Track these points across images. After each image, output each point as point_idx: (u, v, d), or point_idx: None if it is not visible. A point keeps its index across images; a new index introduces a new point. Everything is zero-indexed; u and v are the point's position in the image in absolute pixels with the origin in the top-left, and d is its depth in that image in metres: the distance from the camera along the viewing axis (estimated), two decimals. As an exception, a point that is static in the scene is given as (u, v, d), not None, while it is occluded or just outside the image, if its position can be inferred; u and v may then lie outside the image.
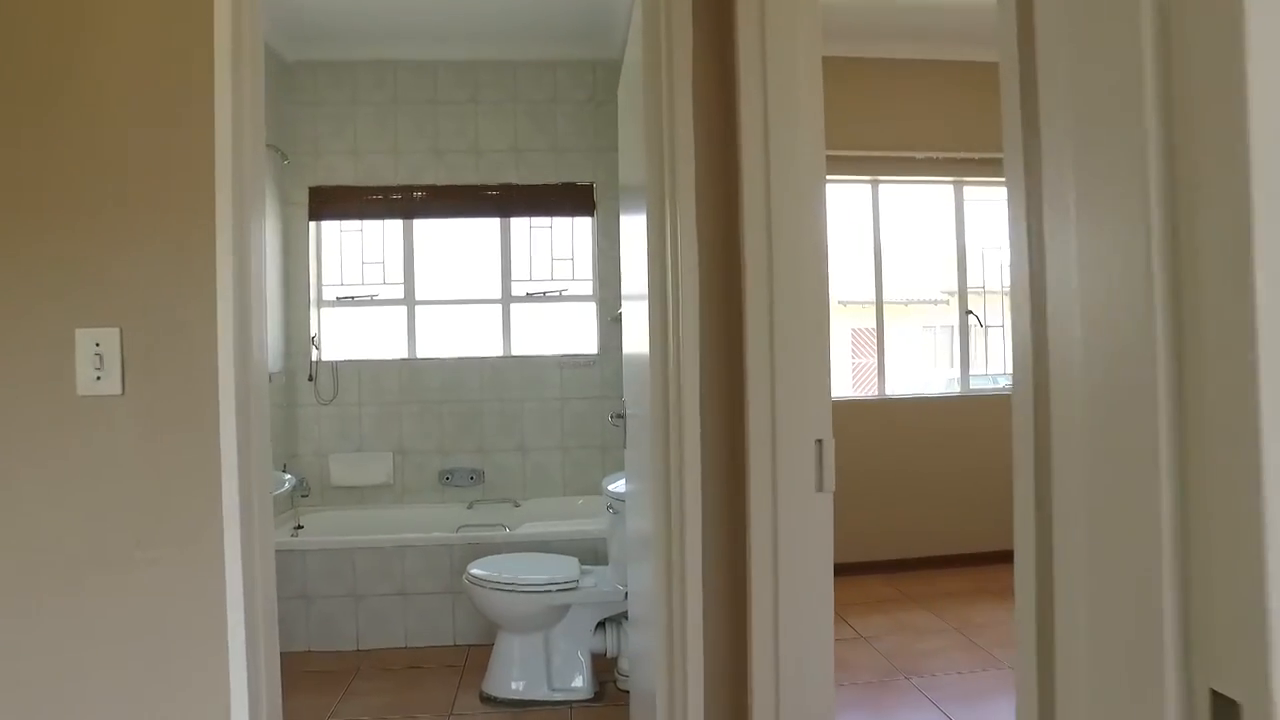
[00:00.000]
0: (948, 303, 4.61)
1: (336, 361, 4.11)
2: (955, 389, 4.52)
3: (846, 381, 5.03)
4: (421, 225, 4.27)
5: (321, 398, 4.06)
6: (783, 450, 1.43)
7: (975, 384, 4.47)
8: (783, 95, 1.45)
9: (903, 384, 4.57)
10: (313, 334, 4.11)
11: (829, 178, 1.53)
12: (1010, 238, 0.73)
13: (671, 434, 1.58)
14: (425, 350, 4.24)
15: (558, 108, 4.23)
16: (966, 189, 4.34)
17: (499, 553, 3.26)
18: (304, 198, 4.08)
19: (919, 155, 4.08)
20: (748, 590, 1.49)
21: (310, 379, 4.05)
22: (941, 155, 4.10)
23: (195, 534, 1.36)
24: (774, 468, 1.44)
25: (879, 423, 4.20)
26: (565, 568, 2.88)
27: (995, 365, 4.52)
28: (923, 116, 4.17)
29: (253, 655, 1.37)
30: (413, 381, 4.13)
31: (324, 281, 4.25)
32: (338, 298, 4.26)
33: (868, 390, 4.60)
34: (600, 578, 2.90)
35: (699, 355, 1.52)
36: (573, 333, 4.30)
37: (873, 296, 4.35)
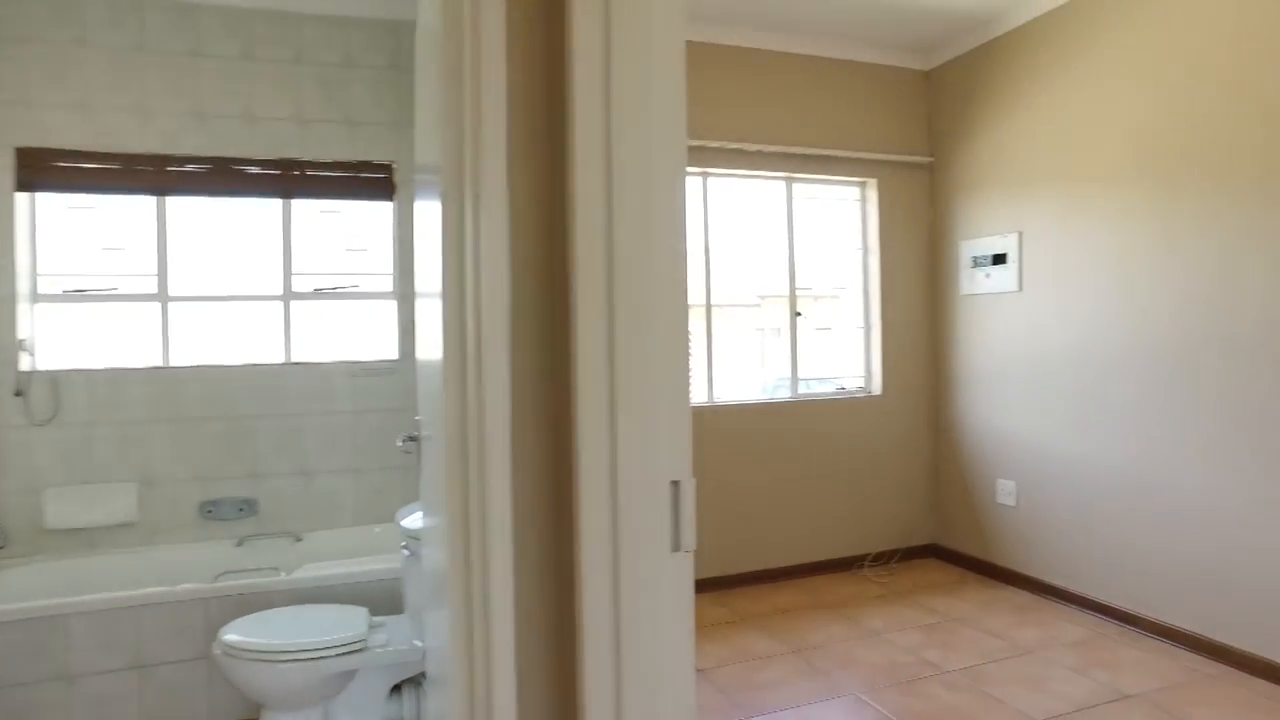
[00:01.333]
0: (759, 305, 4.48)
1: (58, 371, 3.26)
2: (775, 393, 4.37)
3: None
4: (179, 204, 3.51)
5: (35, 417, 3.20)
6: (626, 496, 1.04)
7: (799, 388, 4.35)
8: (631, 72, 1.06)
9: (717, 390, 4.36)
10: (22, 336, 3.23)
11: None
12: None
13: (471, 460, 1.17)
14: (182, 356, 3.47)
15: (352, 73, 3.63)
16: (796, 185, 4.20)
17: (270, 605, 2.65)
18: (8, 161, 3.20)
19: (750, 148, 3.88)
20: (579, 683, 1.09)
21: (18, 394, 3.18)
22: (773, 149, 3.92)
23: None
24: (614, 520, 1.05)
25: (704, 431, 3.96)
26: (349, 622, 2.34)
27: (821, 369, 4.42)
28: (758, 107, 3.98)
29: None
30: (165, 394, 3.37)
31: (41, 270, 3.37)
32: (64, 291, 3.40)
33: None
34: (394, 631, 2.39)
35: (507, 368, 1.10)
36: (368, 335, 3.71)
37: (696, 298, 4.10)
